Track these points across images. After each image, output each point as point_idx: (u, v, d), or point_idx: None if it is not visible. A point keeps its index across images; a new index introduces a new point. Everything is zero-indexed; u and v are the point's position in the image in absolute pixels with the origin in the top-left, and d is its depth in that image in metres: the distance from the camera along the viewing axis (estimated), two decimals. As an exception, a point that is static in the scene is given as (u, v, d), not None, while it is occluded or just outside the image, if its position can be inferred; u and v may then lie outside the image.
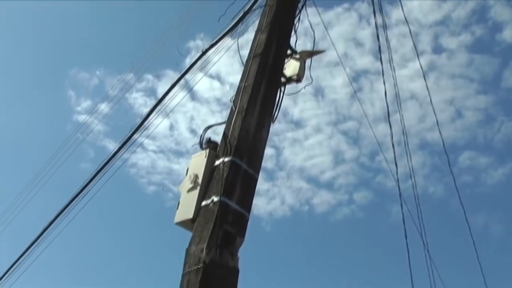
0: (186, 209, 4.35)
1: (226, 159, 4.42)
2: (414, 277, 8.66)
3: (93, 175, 7.00)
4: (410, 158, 7.80)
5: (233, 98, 4.98)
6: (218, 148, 4.64)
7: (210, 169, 4.47)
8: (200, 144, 4.72)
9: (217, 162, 4.49)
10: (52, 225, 7.34)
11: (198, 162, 4.57)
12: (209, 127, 4.81)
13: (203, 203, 4.27)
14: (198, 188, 4.36)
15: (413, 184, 7.91)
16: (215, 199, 4.19)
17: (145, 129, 6.73)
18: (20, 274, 8.20)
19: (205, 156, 4.54)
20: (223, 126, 4.82)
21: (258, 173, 4.57)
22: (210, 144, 4.66)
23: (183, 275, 4.01)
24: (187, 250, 4.12)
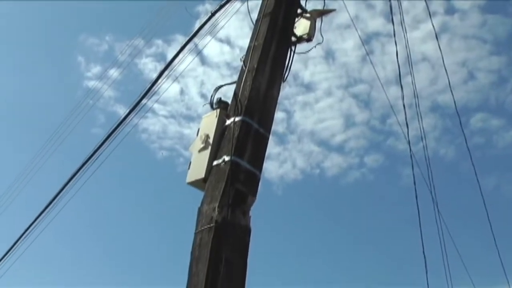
0: (197, 169, 4.35)
1: (237, 119, 4.39)
2: (424, 238, 8.67)
3: (103, 139, 7.00)
4: (422, 120, 7.73)
5: (243, 57, 4.92)
6: (228, 108, 4.60)
7: (221, 129, 4.45)
8: (211, 104, 4.68)
9: (228, 122, 4.46)
10: (64, 189, 7.40)
11: (209, 122, 4.55)
12: (219, 87, 4.77)
13: (215, 162, 4.27)
14: (209, 148, 4.35)
15: (424, 146, 7.86)
16: (226, 158, 4.18)
17: (154, 93, 6.69)
18: (34, 237, 8.30)
19: (216, 116, 4.51)
20: (234, 86, 4.78)
21: (269, 133, 4.54)
22: (220, 104, 4.62)
23: (195, 234, 4.03)
24: (199, 209, 4.13)
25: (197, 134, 4.58)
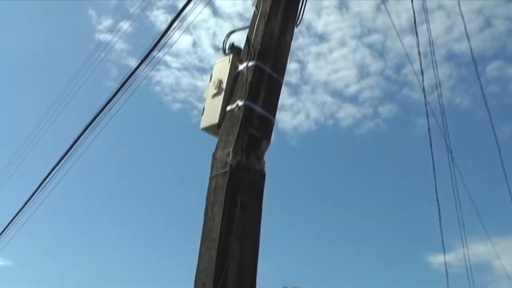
0: (211, 114, 4.33)
1: (250, 64, 4.34)
2: (438, 187, 8.67)
3: (115, 90, 7.00)
4: (437, 69, 7.62)
5: (255, 2, 4.81)
6: (241, 53, 4.54)
7: (234, 74, 4.40)
8: (223, 49, 4.62)
9: (240, 67, 4.41)
10: (79, 141, 7.45)
11: (222, 68, 4.50)
12: (232, 32, 4.68)
13: (228, 108, 4.24)
14: (223, 93, 4.32)
15: (439, 95, 7.77)
16: (240, 103, 4.16)
17: (164, 45, 6.62)
18: (52, 188, 8.44)
19: (229, 62, 4.46)
20: (246, 31, 4.69)
21: (282, 78, 4.49)
22: (233, 50, 4.56)
23: (210, 179, 4.05)
24: (214, 155, 4.13)
25: (210, 80, 4.54)
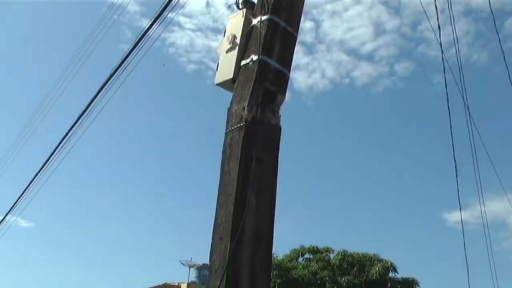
0: (225, 69, 4.30)
1: (264, 18, 4.27)
2: (455, 144, 8.62)
3: (128, 51, 6.99)
4: (454, 25, 7.48)
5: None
6: (255, 7, 4.48)
7: (247, 28, 4.35)
8: (237, 4, 4.55)
9: (254, 22, 4.35)
10: (95, 101, 7.49)
11: (235, 22, 4.45)
12: (245, -14, 4.61)
13: (243, 62, 4.21)
14: (237, 48, 4.28)
15: (456, 51, 7.65)
16: (254, 57, 4.12)
17: (176, 4, 6.55)
18: (70, 148, 8.53)
19: (243, 16, 4.40)
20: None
21: (297, 32, 4.43)
22: (247, 4, 4.49)
23: (226, 134, 4.05)
24: (229, 110, 4.13)
25: (224, 35, 4.50)
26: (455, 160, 8.93)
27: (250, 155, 3.82)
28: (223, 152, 4.01)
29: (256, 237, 3.70)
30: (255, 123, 3.92)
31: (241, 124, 3.92)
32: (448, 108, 7.25)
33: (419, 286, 27.00)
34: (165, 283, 46.88)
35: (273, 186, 3.96)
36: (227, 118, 4.11)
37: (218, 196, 3.86)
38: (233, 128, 3.98)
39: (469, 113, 7.83)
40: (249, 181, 3.73)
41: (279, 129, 4.09)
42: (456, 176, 8.91)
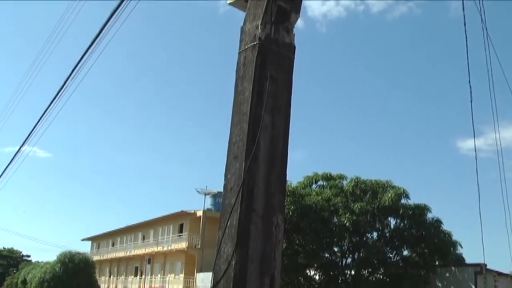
0: (238, -13, 4.19)
1: None
2: (472, 70, 8.46)
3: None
4: None
5: None
6: None
7: None
8: None
9: None
10: (106, 27, 7.39)
11: None
12: None
13: (256, -21, 4.09)
14: (249, -36, 4.14)
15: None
16: (268, -26, 3.99)
17: None
18: (83, 76, 8.52)
19: None
20: None
21: None
22: None
23: (239, 53, 4.00)
24: (242, 28, 4.05)
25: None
26: (470, 86, 8.81)
27: (264, 74, 3.78)
28: (237, 72, 3.97)
29: (271, 156, 3.72)
30: (268, 41, 3.85)
31: (255, 43, 3.86)
32: (465, 31, 7.06)
33: (430, 212, 27.48)
34: (182, 210, 48.10)
35: (288, 106, 3.94)
36: (240, 37, 4.04)
37: (232, 115, 3.86)
38: (246, 47, 3.93)
39: (487, 35, 7.64)
40: (263, 100, 3.71)
41: (293, 48, 4.02)
42: (471, 101, 8.82)
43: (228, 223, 3.56)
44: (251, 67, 3.81)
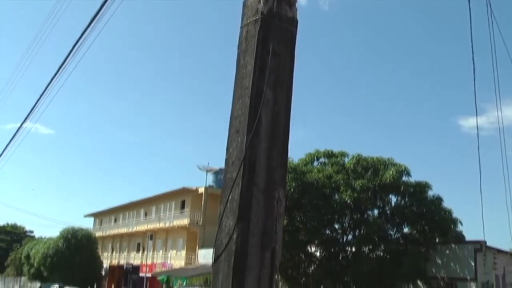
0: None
1: None
2: (475, 47, 8.41)
3: None
4: None
5: None
6: None
7: None
8: None
9: None
10: (108, 1, 7.33)
11: None
12: None
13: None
14: None
15: None
16: None
17: None
18: (84, 51, 8.48)
19: None
20: None
21: None
22: None
23: (241, 28, 3.98)
24: (244, 3, 4.02)
25: None
26: (473, 63, 8.76)
27: (266, 48, 3.76)
28: (239, 46, 3.95)
29: (273, 131, 3.72)
30: (271, 15, 3.82)
31: (257, 17, 3.83)
32: (469, 8, 6.99)
33: (431, 189, 27.57)
34: (183, 187, 48.31)
35: (290, 81, 3.92)
36: (242, 11, 4.01)
37: (234, 90, 3.86)
38: (248, 21, 3.90)
39: (491, 12, 7.57)
40: (265, 74, 3.70)
41: (296, 22, 3.99)
42: (474, 79, 8.79)
43: (230, 197, 3.57)
44: (253, 41, 3.79)
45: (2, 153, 18.54)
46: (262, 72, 3.72)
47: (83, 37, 8.32)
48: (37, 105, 12.30)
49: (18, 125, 15.46)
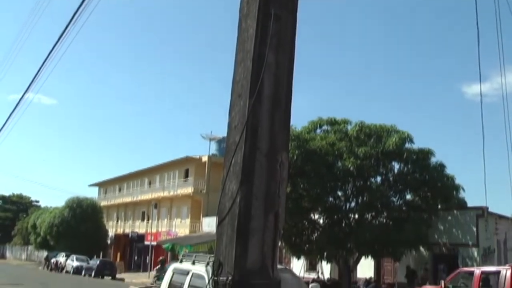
0: None
1: None
2: (480, 11, 8.30)
3: None
4: None
5: None
6: None
7: None
8: None
9: None
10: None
11: None
12: None
13: None
14: None
15: None
16: None
17: None
18: (85, 20, 8.40)
19: None
20: None
21: None
22: None
23: (242, -9, 3.94)
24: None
25: None
26: (477, 27, 8.66)
27: (268, 11, 3.73)
28: (240, 10, 3.93)
29: (275, 95, 3.71)
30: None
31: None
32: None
33: (434, 156, 27.56)
34: (187, 156, 48.43)
35: (292, 44, 3.90)
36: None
37: (236, 54, 3.84)
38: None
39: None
40: (267, 38, 3.68)
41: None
42: (478, 44, 8.70)
43: (233, 161, 3.59)
44: (255, 4, 3.75)
45: (5, 124, 18.59)
46: (264, 35, 3.69)
47: (84, 3, 8.24)
48: (39, 74, 12.27)
49: (21, 95, 15.42)
